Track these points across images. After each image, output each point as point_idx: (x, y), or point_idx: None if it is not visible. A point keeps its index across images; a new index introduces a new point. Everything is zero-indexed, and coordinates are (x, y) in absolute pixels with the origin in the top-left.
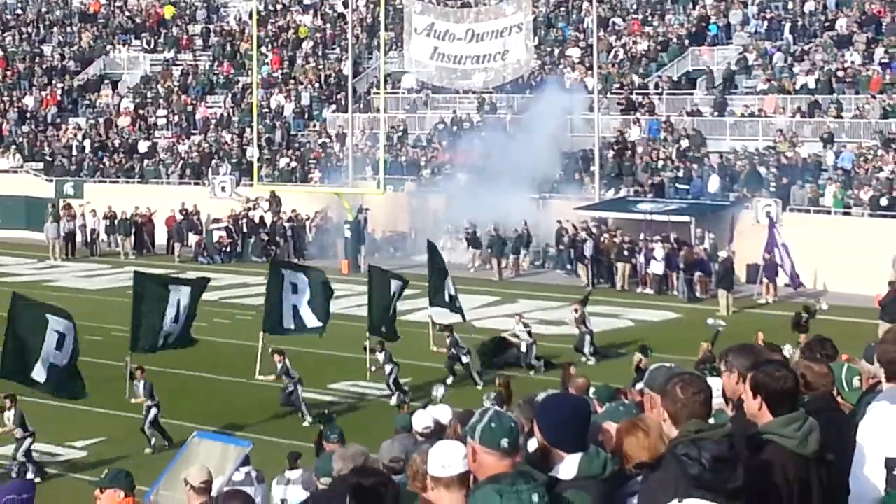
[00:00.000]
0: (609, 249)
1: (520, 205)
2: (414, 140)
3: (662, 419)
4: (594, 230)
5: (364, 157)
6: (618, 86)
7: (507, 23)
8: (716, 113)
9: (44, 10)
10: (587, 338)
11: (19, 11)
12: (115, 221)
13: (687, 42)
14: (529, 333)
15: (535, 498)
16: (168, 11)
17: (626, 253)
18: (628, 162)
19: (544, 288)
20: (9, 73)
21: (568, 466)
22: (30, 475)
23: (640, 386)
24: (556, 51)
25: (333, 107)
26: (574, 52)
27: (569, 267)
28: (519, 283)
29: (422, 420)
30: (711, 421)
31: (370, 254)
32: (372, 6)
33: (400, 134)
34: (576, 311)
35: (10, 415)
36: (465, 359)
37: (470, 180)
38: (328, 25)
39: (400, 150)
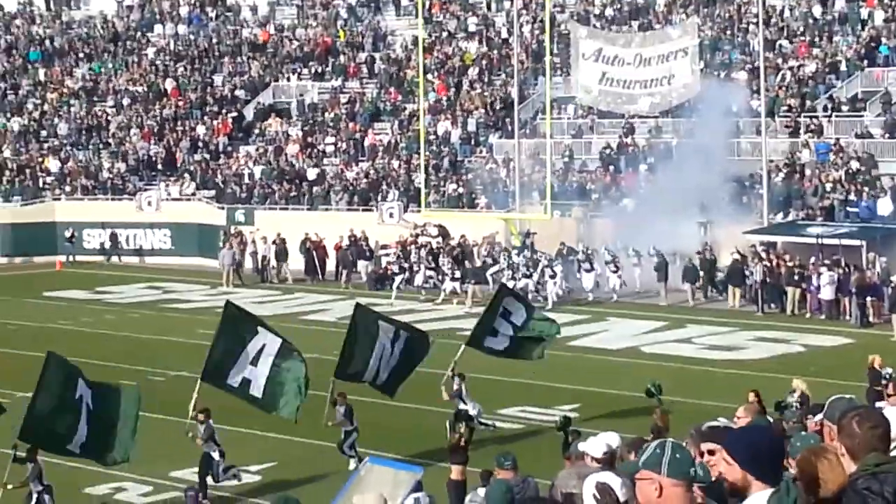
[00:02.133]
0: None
1: (686, 230)
2: (580, 165)
3: (840, 453)
4: (762, 254)
5: (530, 183)
6: (785, 108)
7: (674, 47)
8: (887, 135)
9: (214, 40)
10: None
11: (191, 42)
12: (285, 248)
13: (856, 63)
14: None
15: None
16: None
17: (796, 277)
18: (797, 185)
19: (712, 313)
20: (181, 102)
21: (756, 502)
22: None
23: (818, 417)
24: (723, 74)
25: (499, 132)
26: (741, 76)
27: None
28: (688, 307)
29: (597, 447)
30: (894, 454)
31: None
32: (537, 32)
33: (566, 159)
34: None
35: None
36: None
37: (636, 205)
38: (493, 51)
39: (566, 174)
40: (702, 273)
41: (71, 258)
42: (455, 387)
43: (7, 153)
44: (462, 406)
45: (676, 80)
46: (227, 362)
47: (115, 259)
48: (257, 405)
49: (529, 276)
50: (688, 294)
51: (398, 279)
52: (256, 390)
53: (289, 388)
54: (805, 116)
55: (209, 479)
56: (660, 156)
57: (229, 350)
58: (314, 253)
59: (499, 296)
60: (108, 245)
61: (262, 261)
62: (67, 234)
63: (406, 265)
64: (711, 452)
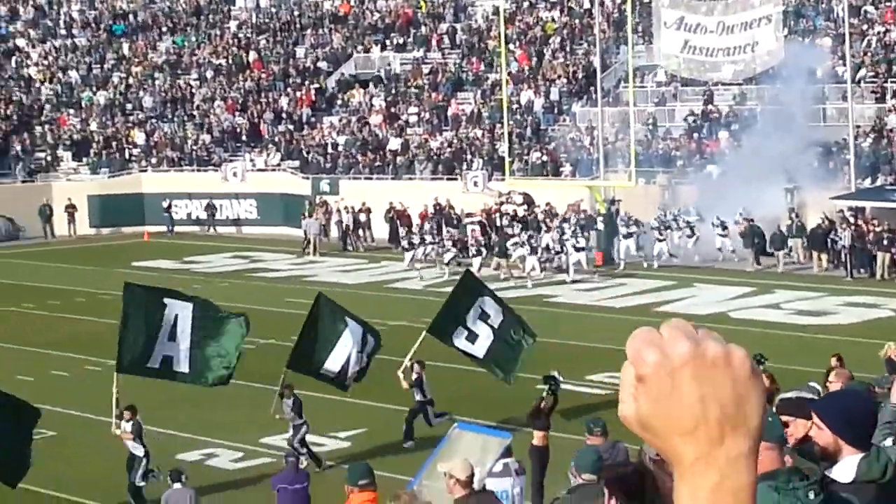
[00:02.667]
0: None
1: (772, 196)
2: (664, 133)
3: None
4: (851, 220)
5: (615, 151)
6: (872, 74)
7: (757, 14)
8: None
9: (296, 13)
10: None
11: (273, 15)
12: (369, 216)
13: None
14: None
15: (811, 496)
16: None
17: (885, 242)
18: (884, 150)
19: (800, 278)
20: (264, 74)
21: (845, 468)
22: (303, 464)
23: None
24: (807, 40)
25: (582, 101)
26: (825, 42)
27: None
28: (775, 273)
29: None
30: None
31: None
32: (619, 1)
33: (650, 127)
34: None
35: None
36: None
37: (721, 172)
38: (575, 21)
39: (650, 142)
40: (790, 239)
41: (170, 229)
42: (414, 375)
43: (94, 126)
44: (554, 373)
45: (760, 47)
46: (141, 346)
47: (210, 229)
48: (187, 381)
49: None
50: (777, 260)
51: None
52: (181, 365)
53: (216, 352)
54: (892, 82)
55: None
56: (744, 123)
57: (140, 332)
58: (398, 221)
59: (467, 285)
60: (202, 216)
61: (346, 229)
62: (165, 204)
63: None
64: (786, 424)
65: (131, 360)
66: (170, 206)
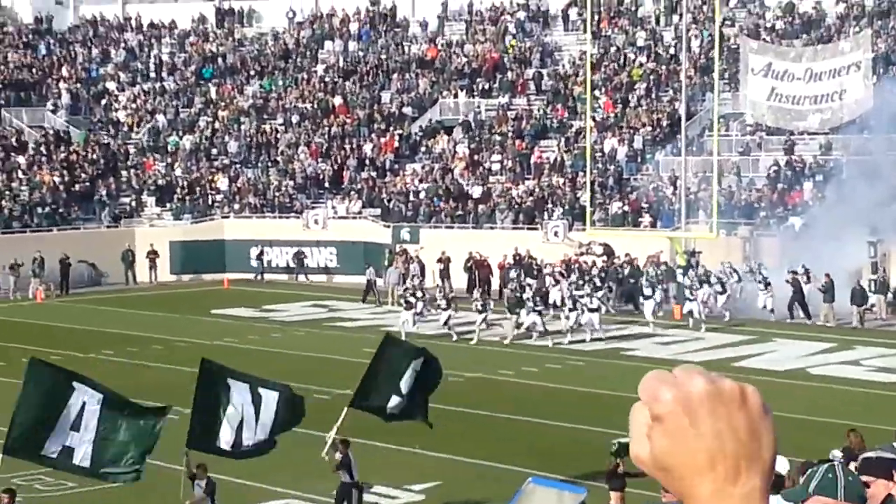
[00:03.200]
0: None
1: (855, 249)
2: (747, 183)
3: None
4: None
5: (696, 201)
6: None
7: (846, 61)
8: None
9: (383, 57)
10: None
11: (360, 59)
12: (448, 266)
13: None
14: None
15: None
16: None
17: None
18: None
19: (882, 334)
20: (349, 120)
21: None
22: None
23: None
24: None
25: (666, 149)
26: None
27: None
28: (856, 329)
29: None
30: None
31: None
32: (706, 47)
33: (733, 177)
34: None
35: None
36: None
37: (805, 224)
38: (661, 67)
39: (733, 192)
40: (872, 294)
41: (259, 277)
42: (338, 455)
43: (178, 171)
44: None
45: (848, 95)
46: (39, 429)
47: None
48: (87, 475)
49: (693, 299)
50: (853, 316)
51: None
52: (83, 459)
53: (123, 449)
54: None
55: None
56: (828, 173)
57: (40, 414)
58: (477, 272)
59: (396, 348)
60: (281, 263)
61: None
62: (256, 251)
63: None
64: (867, 485)
65: (23, 444)
66: (261, 253)
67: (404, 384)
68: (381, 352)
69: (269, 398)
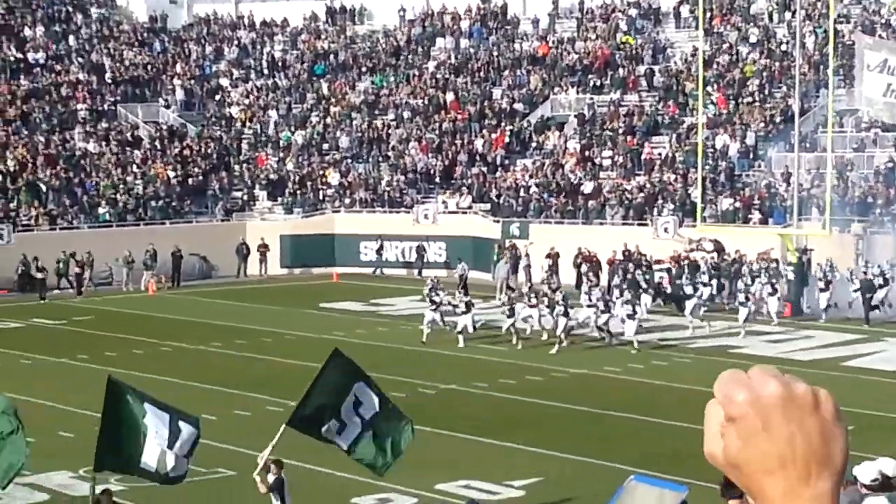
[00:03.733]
0: None
1: None
2: (861, 180)
3: None
4: None
5: (809, 198)
6: None
7: None
8: None
9: (494, 53)
10: None
11: (471, 56)
12: (557, 261)
13: None
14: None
15: None
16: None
17: None
18: None
19: None
20: (460, 115)
21: None
22: None
23: None
24: None
25: (779, 146)
26: None
27: None
28: None
29: (868, 472)
30: None
31: (811, 295)
32: (820, 43)
33: (848, 173)
34: None
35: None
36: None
37: None
38: (774, 63)
39: (846, 189)
40: None
41: (379, 271)
42: (271, 477)
43: (290, 166)
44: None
45: None
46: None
47: (384, 270)
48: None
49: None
50: None
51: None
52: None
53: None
54: None
55: None
56: None
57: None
58: (586, 266)
59: (341, 368)
60: (390, 258)
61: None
62: (375, 246)
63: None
64: None
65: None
66: (381, 248)
67: (345, 410)
68: (326, 368)
69: (186, 432)
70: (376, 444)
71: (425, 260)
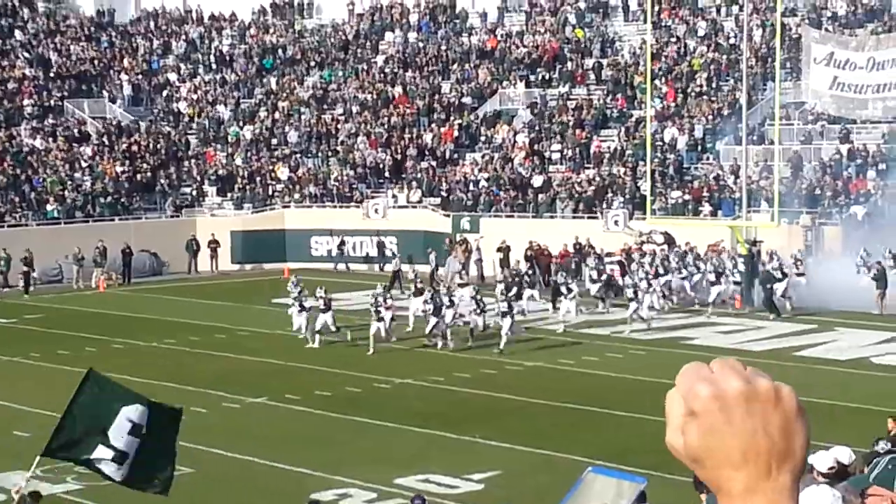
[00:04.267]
0: None
1: None
2: (809, 172)
3: None
4: None
5: (758, 190)
6: None
7: None
8: None
9: (443, 47)
10: None
11: (420, 50)
12: (507, 255)
13: None
14: None
15: None
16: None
17: None
18: None
19: None
20: (409, 110)
21: None
22: None
23: None
24: None
25: (727, 139)
26: None
27: None
28: None
29: (824, 461)
30: None
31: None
32: (768, 36)
33: (795, 166)
34: None
35: None
36: None
37: (868, 213)
38: (722, 56)
39: (794, 182)
40: None
41: (342, 266)
42: None
43: (239, 161)
44: None
45: None
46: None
47: (341, 266)
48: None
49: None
50: None
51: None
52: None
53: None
54: None
55: None
56: (892, 161)
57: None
58: (536, 261)
59: (96, 391)
60: (334, 252)
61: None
62: (336, 241)
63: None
64: None
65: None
66: (342, 244)
67: (114, 434)
68: (81, 391)
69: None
70: (148, 468)
71: (346, 254)
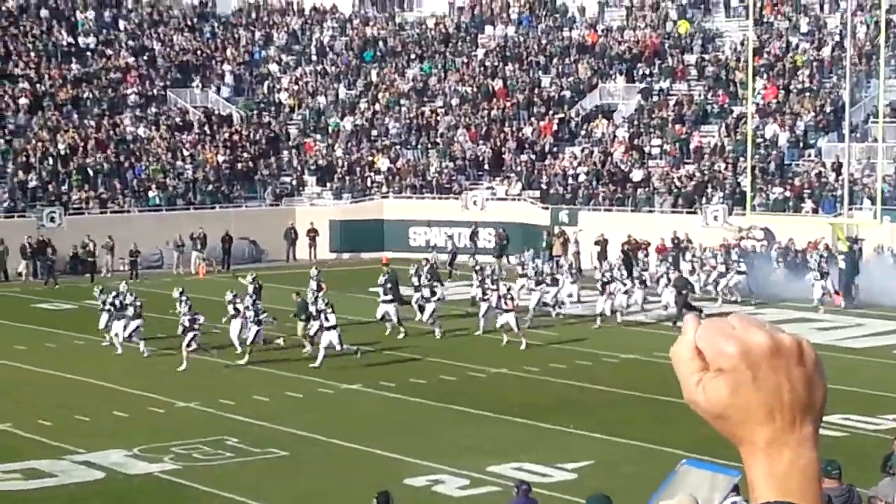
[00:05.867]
0: None
1: None
2: None
3: None
4: None
5: (861, 188)
6: None
7: None
8: None
9: (543, 41)
10: None
11: (520, 44)
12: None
13: None
14: None
15: None
16: (683, 26)
17: None
18: None
19: None
20: (509, 103)
21: None
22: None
23: None
24: None
25: (829, 136)
26: None
27: None
28: None
29: None
30: None
31: (863, 285)
32: (872, 33)
33: None
34: None
35: None
36: None
37: None
38: (825, 53)
39: None
40: None
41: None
42: None
43: (339, 152)
44: None
45: None
46: None
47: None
48: None
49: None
50: None
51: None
52: None
53: None
54: None
55: None
56: None
57: None
58: (632, 254)
59: None
60: (440, 243)
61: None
62: (425, 231)
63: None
64: None
65: None
66: (452, 237)
67: None
68: None
69: None
70: None
71: (477, 245)
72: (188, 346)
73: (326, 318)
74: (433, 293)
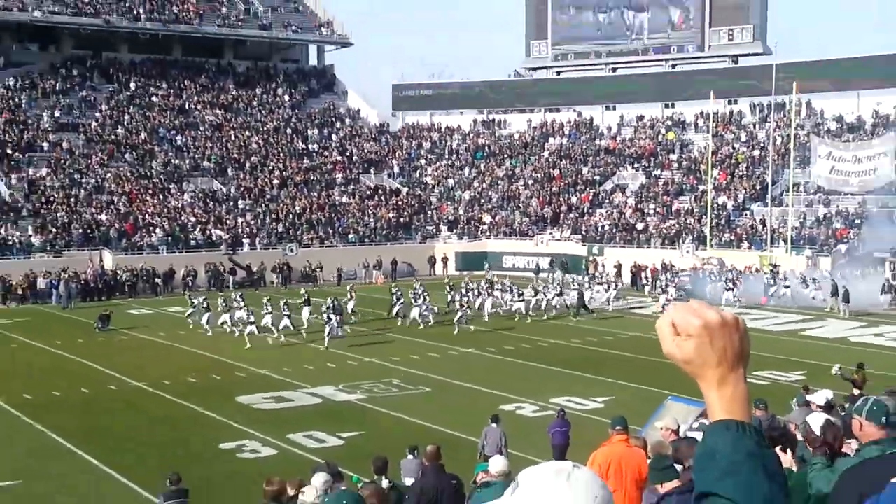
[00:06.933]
0: None
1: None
2: (812, 223)
3: None
4: None
5: (778, 235)
6: None
7: (877, 151)
8: None
9: (585, 146)
10: None
11: (569, 148)
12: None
13: None
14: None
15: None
16: (670, 135)
17: None
18: None
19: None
20: (562, 183)
21: None
22: None
23: None
24: None
25: (759, 203)
26: None
27: None
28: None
29: (820, 398)
30: None
31: (778, 293)
32: (786, 141)
33: (801, 220)
34: None
35: None
36: None
37: (848, 248)
38: (756, 153)
39: (801, 230)
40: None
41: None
42: None
43: (461, 211)
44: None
45: (878, 171)
46: None
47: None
48: None
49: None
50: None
51: None
52: None
53: None
54: None
55: None
56: (863, 217)
57: None
58: (637, 273)
59: None
60: (546, 266)
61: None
62: (516, 260)
63: None
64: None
65: None
66: (560, 264)
67: None
68: None
69: None
70: None
71: (540, 267)
72: (330, 333)
73: (416, 299)
74: (520, 294)
